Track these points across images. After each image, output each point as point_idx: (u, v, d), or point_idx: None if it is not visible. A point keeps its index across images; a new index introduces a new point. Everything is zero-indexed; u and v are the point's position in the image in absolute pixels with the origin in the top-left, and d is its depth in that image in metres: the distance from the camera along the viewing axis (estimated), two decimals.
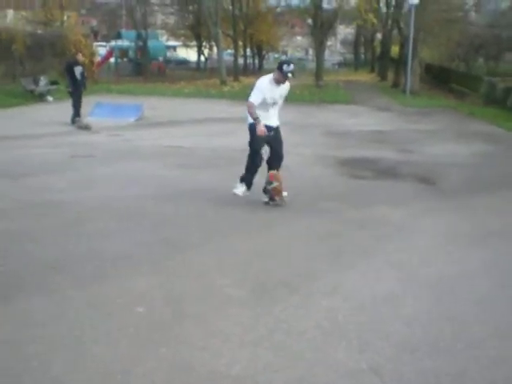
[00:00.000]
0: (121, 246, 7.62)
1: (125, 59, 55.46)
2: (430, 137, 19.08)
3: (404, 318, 5.69)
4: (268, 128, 9.43)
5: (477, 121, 24.21)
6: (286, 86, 9.68)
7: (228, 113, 24.67)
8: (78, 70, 15.17)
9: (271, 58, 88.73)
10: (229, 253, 7.44)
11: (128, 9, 54.67)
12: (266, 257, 7.35)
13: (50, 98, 27.63)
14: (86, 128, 14.79)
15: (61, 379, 4.52)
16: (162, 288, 6.28)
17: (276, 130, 9.89)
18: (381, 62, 56.30)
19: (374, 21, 44.05)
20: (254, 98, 9.34)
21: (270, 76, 9.49)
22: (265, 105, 9.48)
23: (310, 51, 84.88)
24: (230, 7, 51.39)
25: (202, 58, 67.55)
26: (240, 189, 10.11)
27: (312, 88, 39.02)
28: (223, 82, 41.17)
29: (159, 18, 68.68)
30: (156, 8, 63.61)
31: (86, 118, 19.45)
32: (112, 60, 51.55)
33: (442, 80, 44.19)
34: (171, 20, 68.20)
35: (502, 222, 9.32)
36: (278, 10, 62.18)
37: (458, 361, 4.93)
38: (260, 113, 9.37)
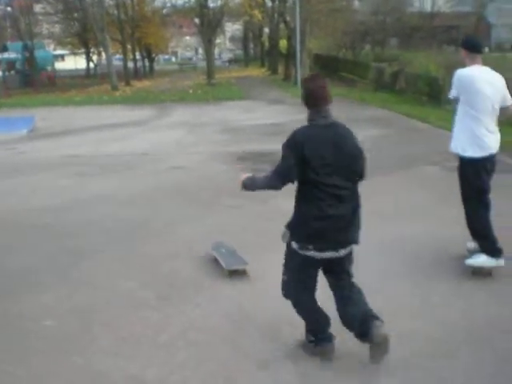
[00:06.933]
0: (26, 259, 7.48)
1: (12, 72, 54.04)
2: None
3: None
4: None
5: (368, 106, 24.80)
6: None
7: (121, 118, 24.40)
8: None
9: (161, 59, 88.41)
10: (134, 257, 7.40)
11: (12, 20, 53.38)
12: (173, 257, 7.32)
13: None
14: None
15: None
16: (69, 298, 6.21)
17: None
18: (270, 56, 56.82)
19: (259, 17, 44.52)
20: None
21: None
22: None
23: (200, 50, 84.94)
24: (116, 12, 50.72)
25: (92, 65, 66.65)
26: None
27: (205, 87, 39.12)
28: (114, 88, 40.69)
29: (44, 28, 67.18)
30: (40, 17, 62.14)
31: None
32: None
33: (331, 69, 44.89)
34: (57, 29, 66.85)
35: (398, 204, 9.58)
36: (164, 11, 61.83)
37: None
38: None
